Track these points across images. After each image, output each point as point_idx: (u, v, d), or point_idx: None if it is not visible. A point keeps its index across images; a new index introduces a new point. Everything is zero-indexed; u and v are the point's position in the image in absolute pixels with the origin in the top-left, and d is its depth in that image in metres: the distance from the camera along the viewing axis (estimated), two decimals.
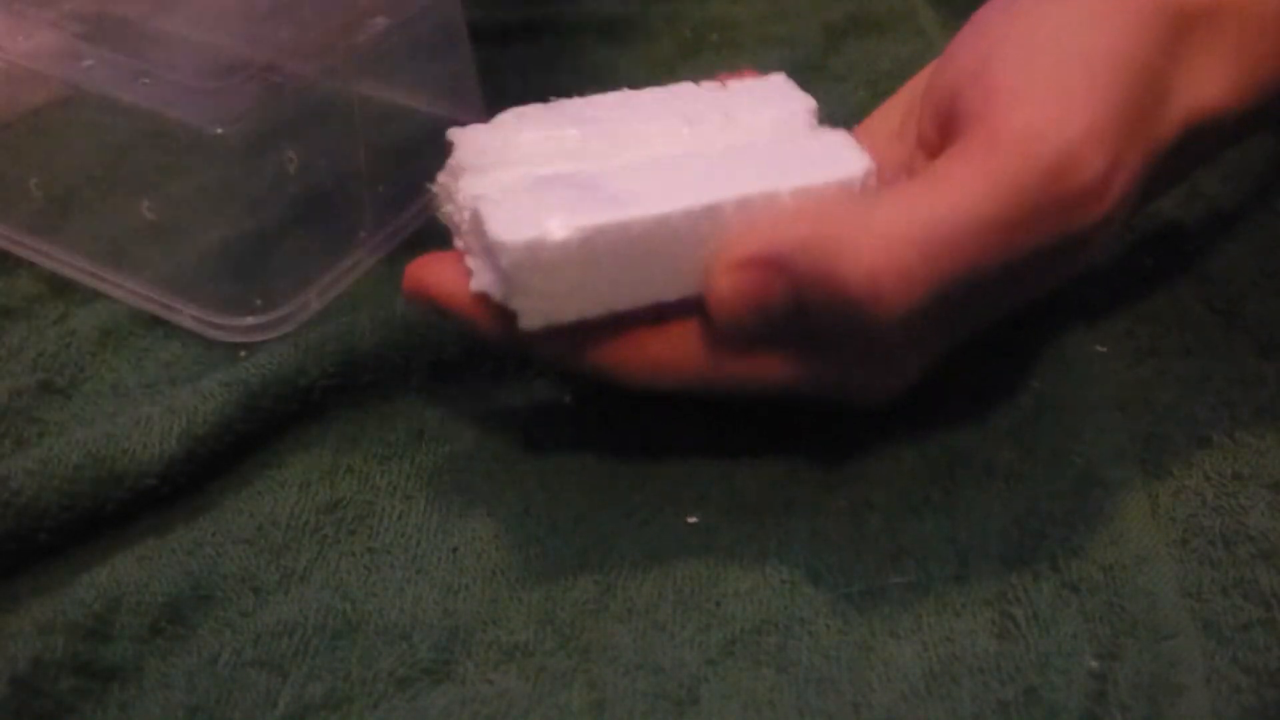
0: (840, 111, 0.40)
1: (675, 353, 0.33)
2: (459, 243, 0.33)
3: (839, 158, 0.34)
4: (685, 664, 0.31)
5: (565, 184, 0.32)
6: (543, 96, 0.38)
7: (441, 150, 0.35)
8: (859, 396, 0.35)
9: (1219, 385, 0.38)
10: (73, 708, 0.30)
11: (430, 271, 0.33)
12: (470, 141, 0.34)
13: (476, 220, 0.32)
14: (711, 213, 0.32)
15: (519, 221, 0.31)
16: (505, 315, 0.32)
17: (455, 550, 0.34)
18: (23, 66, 0.42)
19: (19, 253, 0.44)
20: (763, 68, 0.39)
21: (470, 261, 0.33)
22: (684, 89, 0.37)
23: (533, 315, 0.31)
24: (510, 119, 0.35)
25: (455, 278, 0.33)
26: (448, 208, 0.34)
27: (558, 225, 0.30)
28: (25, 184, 0.44)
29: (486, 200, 0.32)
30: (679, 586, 0.33)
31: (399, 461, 0.37)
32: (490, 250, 0.31)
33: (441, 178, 0.34)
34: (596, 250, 0.31)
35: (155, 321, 0.42)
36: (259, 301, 0.41)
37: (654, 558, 0.34)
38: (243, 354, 0.40)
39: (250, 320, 0.41)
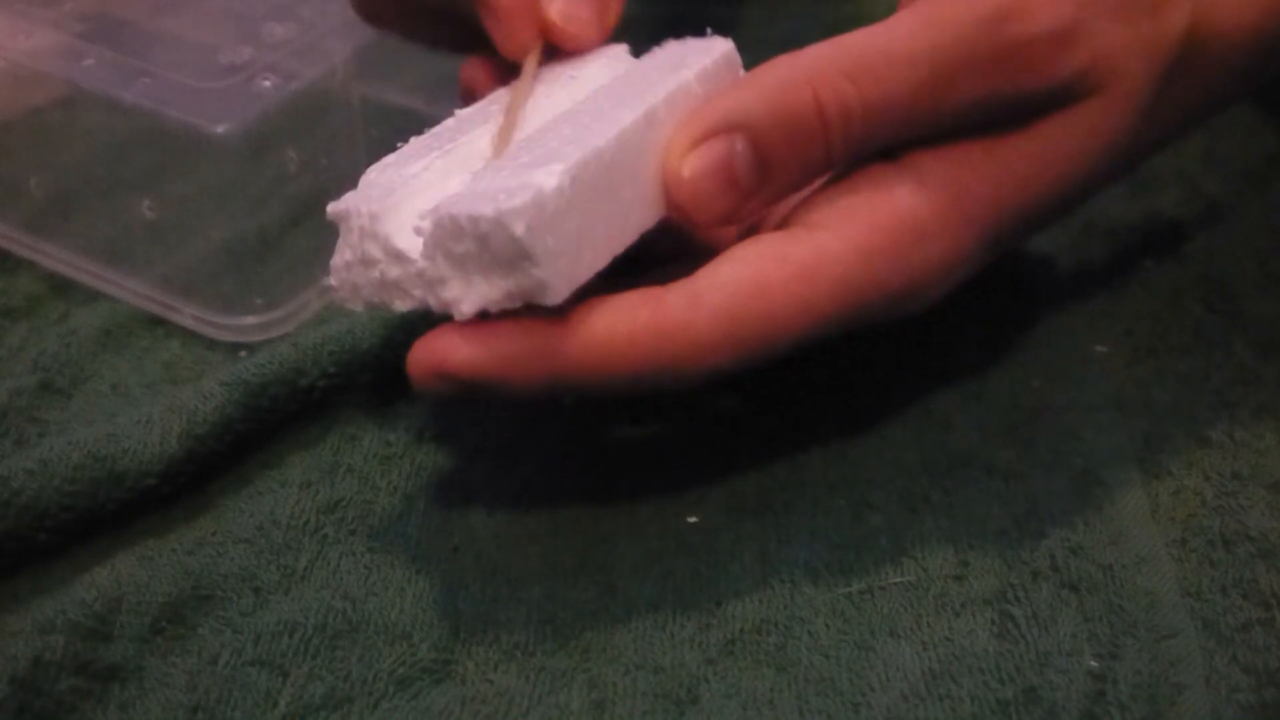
0: None
1: (722, 312, 0.31)
2: (413, 296, 0.30)
3: (699, 46, 0.35)
4: (685, 664, 0.31)
5: (506, 161, 0.30)
6: None
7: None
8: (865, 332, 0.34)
9: (1219, 385, 0.38)
10: (73, 708, 0.30)
11: (433, 349, 0.30)
12: (358, 201, 0.31)
13: (448, 231, 0.29)
14: (650, 117, 0.31)
15: (500, 196, 0.28)
16: (535, 336, 0.30)
17: (455, 550, 0.34)
18: (23, 66, 0.42)
19: (19, 252, 0.44)
20: None
21: (450, 291, 0.30)
22: (498, 92, 0.36)
23: (558, 283, 0.29)
24: (374, 173, 0.32)
25: (462, 343, 0.30)
26: (370, 276, 0.31)
27: (545, 175, 0.28)
28: (25, 184, 0.44)
29: (448, 205, 0.29)
30: (679, 586, 0.33)
31: (399, 461, 0.37)
32: (486, 241, 0.28)
33: (341, 259, 0.31)
34: (583, 188, 0.29)
35: (155, 321, 0.42)
36: (259, 301, 0.41)
37: (654, 558, 0.34)
38: (243, 354, 0.40)
39: (250, 320, 0.41)
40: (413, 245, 0.30)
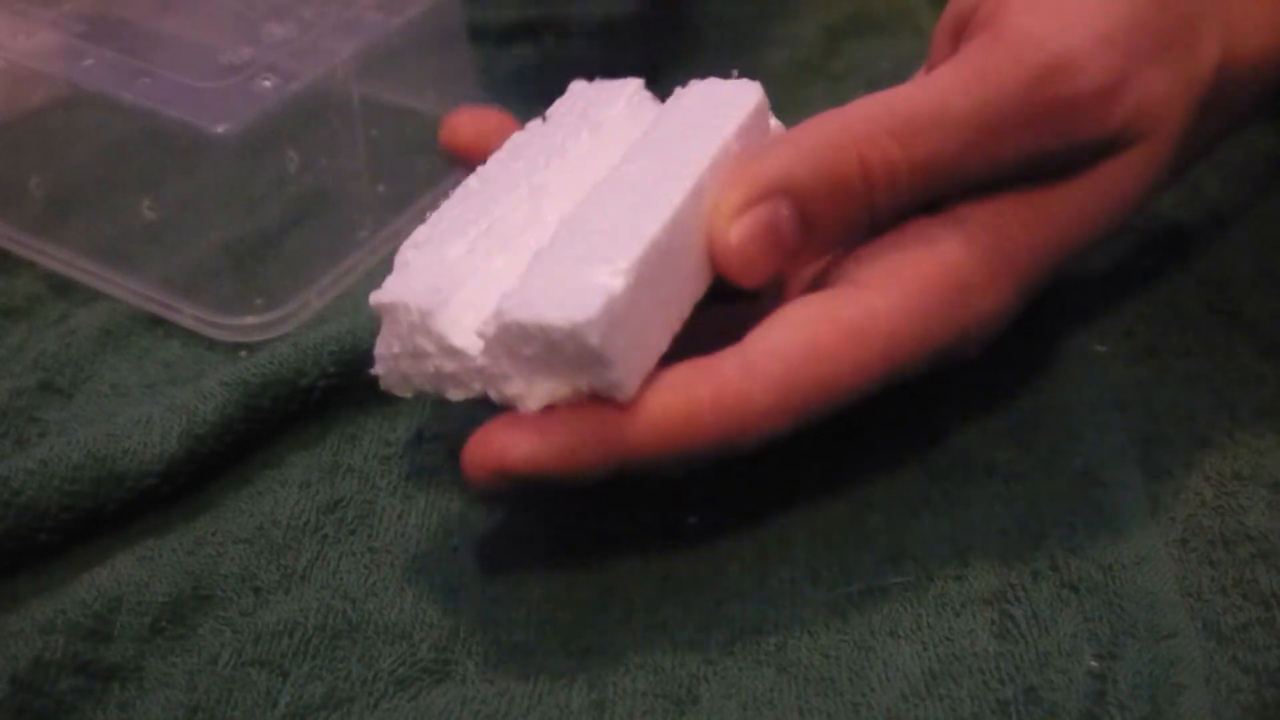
0: None
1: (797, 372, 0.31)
2: (471, 388, 0.30)
3: (729, 94, 0.34)
4: (685, 664, 0.31)
5: (559, 249, 0.30)
6: (543, 96, 0.38)
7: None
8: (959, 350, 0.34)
9: (1219, 385, 0.38)
10: (73, 708, 0.30)
11: (489, 446, 0.29)
12: (403, 294, 0.30)
13: (514, 336, 0.28)
14: (697, 192, 0.31)
15: (567, 299, 0.28)
16: (595, 425, 0.29)
17: (455, 550, 0.34)
18: (23, 66, 0.42)
19: (19, 252, 0.44)
20: (763, 68, 0.39)
21: (513, 388, 0.29)
22: (516, 140, 0.35)
23: (630, 380, 0.29)
24: (410, 253, 0.32)
25: (522, 438, 0.29)
26: (422, 368, 0.30)
27: (610, 276, 0.28)
28: (25, 184, 0.44)
29: (512, 310, 0.28)
30: (679, 586, 0.33)
31: (399, 461, 0.37)
32: (556, 346, 0.28)
33: (388, 349, 0.31)
34: (645, 281, 0.29)
35: (155, 321, 0.42)
36: (259, 301, 0.41)
37: (654, 558, 0.34)
38: (243, 354, 0.40)
39: (250, 320, 0.41)
40: (470, 343, 0.29)
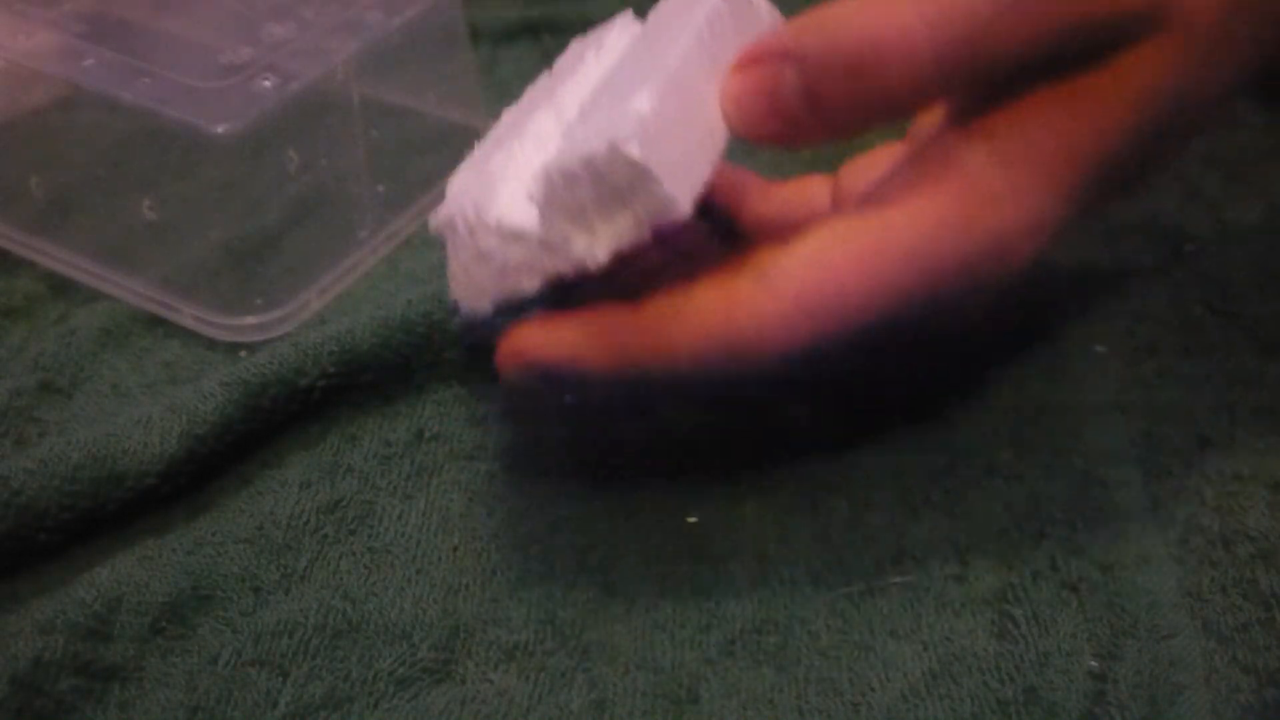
0: None
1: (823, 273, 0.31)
2: (540, 270, 0.31)
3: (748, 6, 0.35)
4: (685, 664, 0.31)
5: (590, 111, 0.32)
6: None
7: (439, 150, 0.34)
8: (961, 318, 0.34)
9: (1219, 385, 0.38)
10: (73, 708, 0.30)
11: (514, 340, 0.32)
12: (456, 206, 0.32)
13: (561, 184, 0.29)
14: (699, 39, 0.32)
15: (604, 131, 0.29)
16: (607, 319, 0.31)
17: (455, 550, 0.34)
18: (23, 66, 0.42)
19: (19, 252, 0.44)
20: None
21: (577, 246, 0.30)
22: (529, 91, 0.37)
23: (681, 196, 0.29)
24: (456, 182, 0.33)
25: (540, 331, 0.31)
26: (492, 268, 0.31)
27: (637, 102, 0.29)
28: (25, 184, 0.44)
29: (554, 163, 0.30)
30: (679, 586, 0.33)
31: (399, 461, 0.37)
32: (603, 177, 0.29)
33: (458, 266, 0.32)
34: (670, 107, 0.30)
35: (155, 321, 0.42)
36: (259, 301, 0.41)
37: (654, 558, 0.34)
38: (243, 354, 0.40)
39: (250, 320, 0.41)
40: (527, 219, 0.30)
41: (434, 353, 0.39)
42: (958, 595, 0.33)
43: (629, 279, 0.32)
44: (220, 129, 0.39)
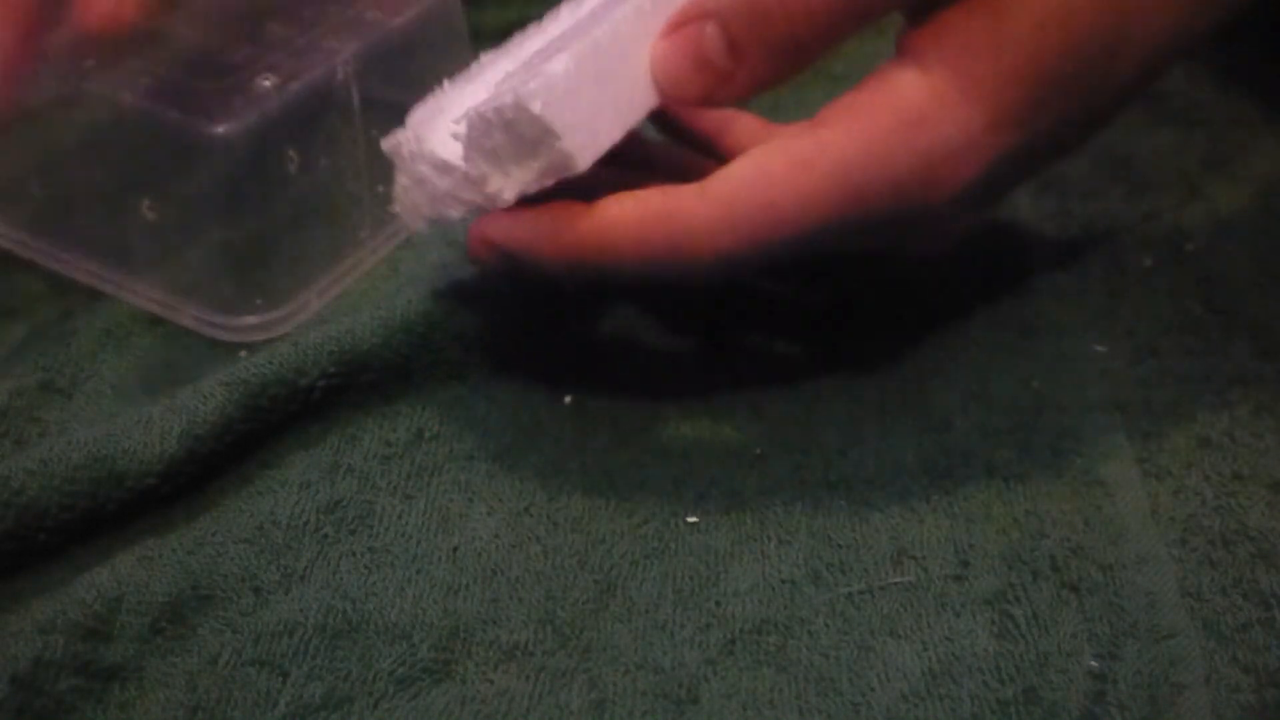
0: None
1: (721, 208, 0.33)
2: (463, 200, 0.35)
3: None
4: (685, 664, 0.31)
5: (521, 66, 0.35)
6: None
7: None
8: (902, 254, 0.36)
9: (1219, 385, 0.38)
10: (73, 708, 0.30)
11: (481, 223, 0.35)
12: (406, 131, 0.36)
13: (479, 129, 0.33)
14: (639, 8, 0.35)
15: (517, 87, 0.32)
16: (560, 212, 0.34)
17: (455, 550, 0.34)
18: None
19: (19, 253, 0.44)
20: None
21: (492, 184, 0.34)
22: (514, 37, 0.40)
23: (581, 153, 0.33)
24: (416, 113, 0.37)
25: (503, 217, 0.34)
26: (425, 193, 0.35)
27: (553, 64, 0.32)
28: (25, 184, 0.44)
29: (476, 107, 0.33)
30: (679, 586, 0.33)
31: (399, 461, 0.37)
32: (514, 127, 0.32)
33: (400, 186, 0.36)
34: (587, 69, 0.33)
35: (155, 321, 0.42)
36: (259, 301, 0.41)
37: (654, 558, 0.34)
38: (243, 354, 0.40)
39: (250, 320, 0.41)
40: (454, 153, 0.34)
41: (434, 353, 0.39)
42: (958, 595, 0.33)
43: (601, 183, 0.35)
44: (220, 129, 0.39)
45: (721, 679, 0.31)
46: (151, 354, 0.40)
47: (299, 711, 0.30)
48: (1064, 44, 0.33)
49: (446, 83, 0.38)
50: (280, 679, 0.31)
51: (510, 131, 0.32)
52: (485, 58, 0.39)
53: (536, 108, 0.32)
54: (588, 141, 0.33)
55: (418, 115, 0.36)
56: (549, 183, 0.33)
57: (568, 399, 0.38)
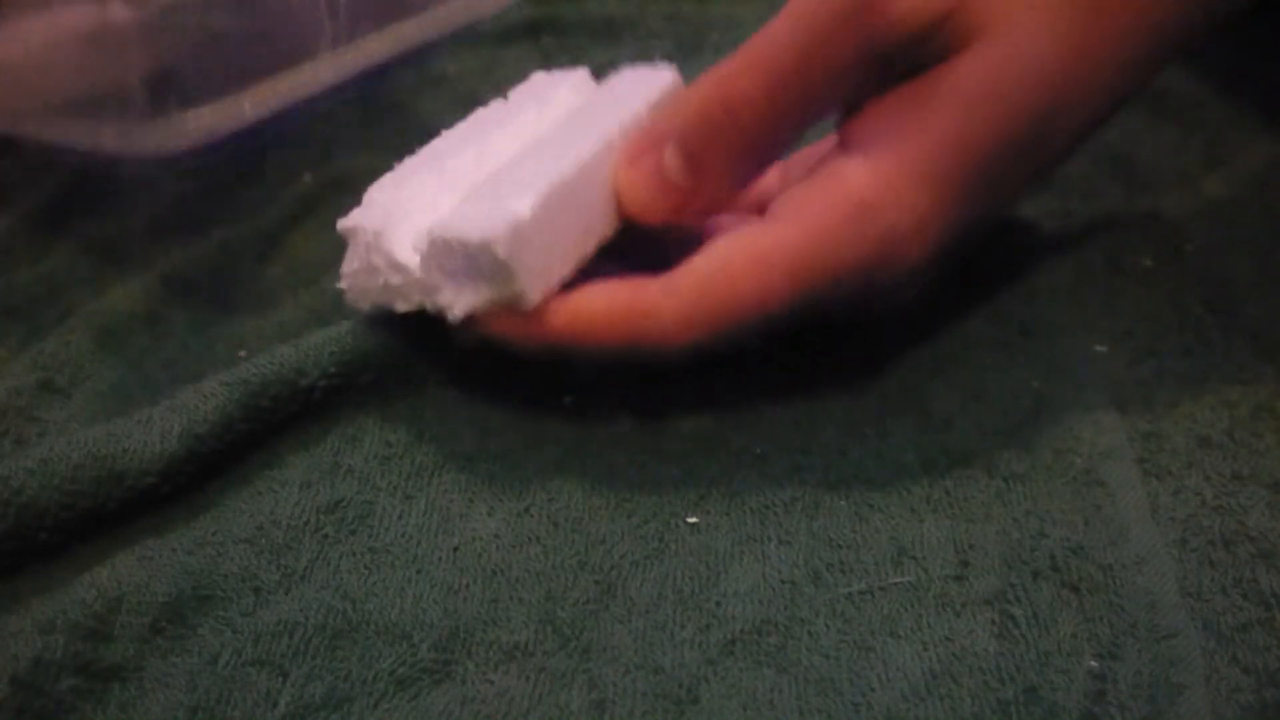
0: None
1: (691, 299, 0.35)
2: (412, 300, 0.36)
3: (648, 76, 0.41)
4: (685, 664, 0.31)
5: (487, 188, 0.35)
6: None
7: None
8: (868, 312, 0.38)
9: (1219, 385, 0.38)
10: (73, 708, 0.30)
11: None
12: (363, 219, 0.36)
13: (441, 250, 0.34)
14: (608, 146, 0.37)
15: (484, 222, 0.33)
16: (536, 309, 0.35)
17: (455, 550, 0.34)
18: None
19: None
20: None
21: (444, 297, 0.35)
22: (479, 114, 0.41)
23: (533, 294, 0.34)
24: (375, 193, 0.37)
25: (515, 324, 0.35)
26: (376, 282, 0.36)
27: (519, 204, 0.33)
28: (26, 183, 0.44)
29: (440, 229, 0.34)
30: (679, 586, 0.33)
31: (399, 461, 0.37)
32: (474, 259, 0.34)
33: (350, 267, 0.37)
34: (551, 212, 0.34)
35: (155, 321, 0.42)
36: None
37: (654, 558, 0.34)
38: (243, 354, 0.40)
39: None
40: (412, 259, 0.35)
41: (434, 353, 0.39)
42: (958, 595, 0.33)
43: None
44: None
45: (721, 679, 0.31)
46: (151, 354, 0.40)
47: (299, 711, 0.30)
48: (993, 124, 0.35)
49: (407, 160, 0.39)
50: (280, 679, 0.31)
51: (470, 260, 0.34)
52: (448, 134, 0.40)
53: (500, 251, 0.33)
54: (541, 284, 0.34)
55: (373, 195, 0.37)
56: (496, 309, 0.35)
57: (568, 399, 0.38)
